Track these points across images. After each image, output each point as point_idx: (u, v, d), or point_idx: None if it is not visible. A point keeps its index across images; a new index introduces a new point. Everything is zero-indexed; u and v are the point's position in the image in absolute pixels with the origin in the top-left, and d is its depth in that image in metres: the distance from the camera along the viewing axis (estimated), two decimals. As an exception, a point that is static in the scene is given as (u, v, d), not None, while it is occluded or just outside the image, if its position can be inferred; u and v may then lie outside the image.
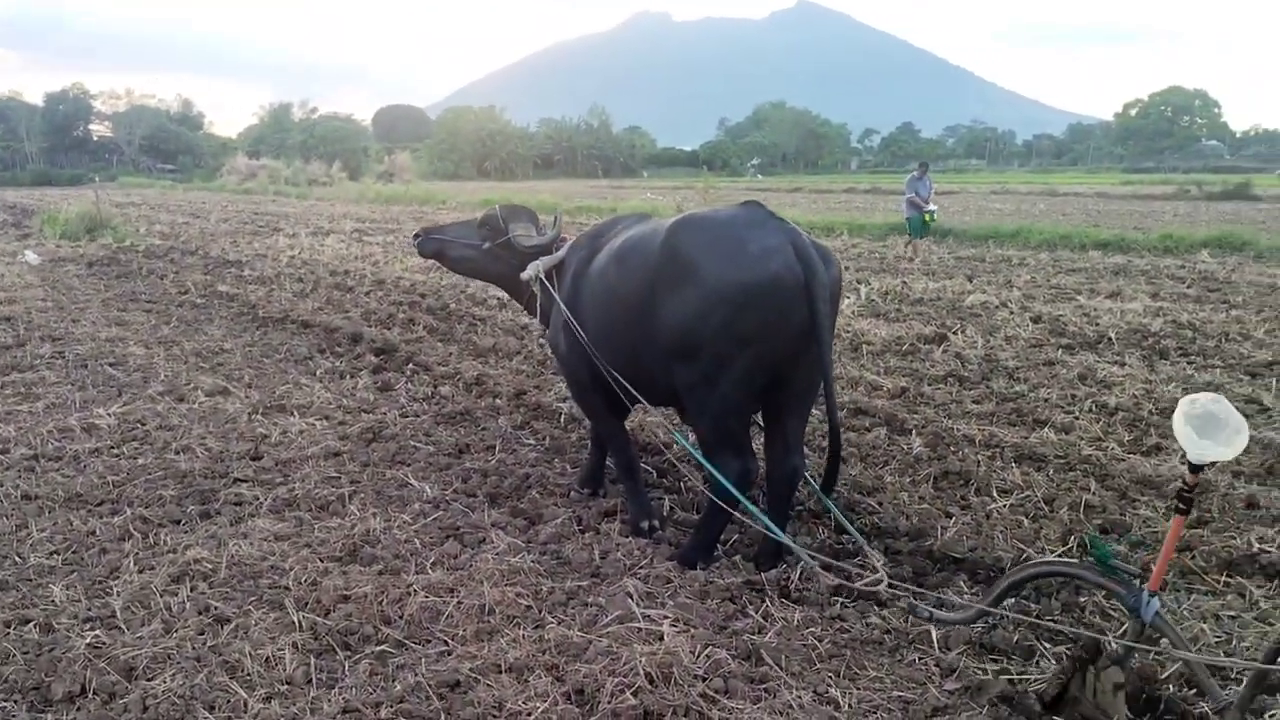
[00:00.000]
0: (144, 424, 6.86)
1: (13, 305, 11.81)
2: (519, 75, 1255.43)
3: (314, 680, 3.62)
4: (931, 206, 18.26)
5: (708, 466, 4.50)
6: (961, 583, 4.51)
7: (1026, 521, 5.18)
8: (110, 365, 8.71)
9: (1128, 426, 6.86)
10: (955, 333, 10.13)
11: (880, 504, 5.45)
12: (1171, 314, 11.09)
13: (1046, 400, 7.50)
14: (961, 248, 19.94)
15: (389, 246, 19.83)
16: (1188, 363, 8.76)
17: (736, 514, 4.63)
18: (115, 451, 6.29)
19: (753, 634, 3.94)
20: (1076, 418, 7.05)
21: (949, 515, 5.30)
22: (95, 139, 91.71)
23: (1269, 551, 4.62)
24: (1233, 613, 4.11)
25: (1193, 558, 4.65)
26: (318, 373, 8.62)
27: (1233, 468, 5.87)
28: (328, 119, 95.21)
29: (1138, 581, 3.35)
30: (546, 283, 5.45)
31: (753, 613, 4.16)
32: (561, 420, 7.15)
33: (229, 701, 3.48)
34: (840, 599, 4.36)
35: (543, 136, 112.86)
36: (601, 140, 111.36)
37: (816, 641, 3.93)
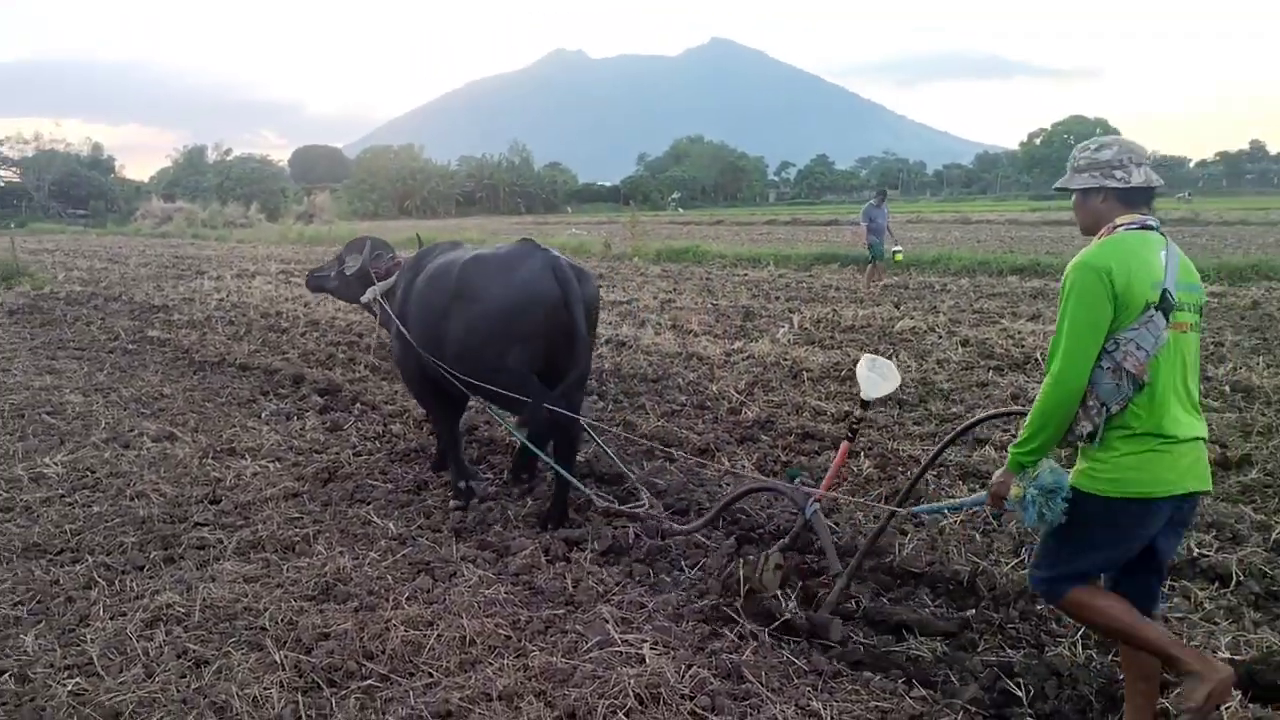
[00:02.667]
0: (93, 472, 6.77)
1: (-65, 356, 11.49)
2: (437, 113, 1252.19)
3: (304, 717, 3.65)
4: (897, 247, 18.28)
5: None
6: (924, 596, 4.69)
7: (978, 536, 5.40)
8: (48, 414, 8.54)
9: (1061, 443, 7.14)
10: (889, 358, 10.43)
11: (838, 524, 5.63)
12: (1092, 334, 11.54)
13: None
14: (886, 275, 20.43)
15: (319, 287, 19.65)
16: (1111, 380, 9.14)
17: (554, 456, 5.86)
18: (68, 500, 6.20)
19: (730, 653, 4.05)
20: (1013, 436, 7.30)
21: (904, 533, 5.49)
22: (2, 185, 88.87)
23: (1207, 556, 4.90)
24: (1179, 614, 4.35)
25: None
26: (263, 415, 8.56)
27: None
28: (243, 160, 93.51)
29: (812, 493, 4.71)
30: (383, 303, 6.71)
31: (728, 633, 4.28)
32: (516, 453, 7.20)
33: (221, 742, 3.49)
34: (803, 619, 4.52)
35: (464, 174, 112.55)
36: (523, 177, 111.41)
37: (793, 658, 4.06)
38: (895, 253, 18.03)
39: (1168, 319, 3.04)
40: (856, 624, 4.44)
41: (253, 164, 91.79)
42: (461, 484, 6.23)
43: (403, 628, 4.27)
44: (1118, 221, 3.23)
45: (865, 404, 4.46)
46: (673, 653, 4.02)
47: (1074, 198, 3.37)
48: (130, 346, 12.42)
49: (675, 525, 5.42)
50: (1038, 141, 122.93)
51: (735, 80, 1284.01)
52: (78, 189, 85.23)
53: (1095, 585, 3.29)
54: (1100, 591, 3.28)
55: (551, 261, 5.59)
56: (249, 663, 4.03)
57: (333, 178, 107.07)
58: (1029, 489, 3.17)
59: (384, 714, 3.66)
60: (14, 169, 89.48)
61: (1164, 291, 3.05)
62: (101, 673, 3.97)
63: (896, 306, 14.96)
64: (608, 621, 4.30)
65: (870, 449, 7.03)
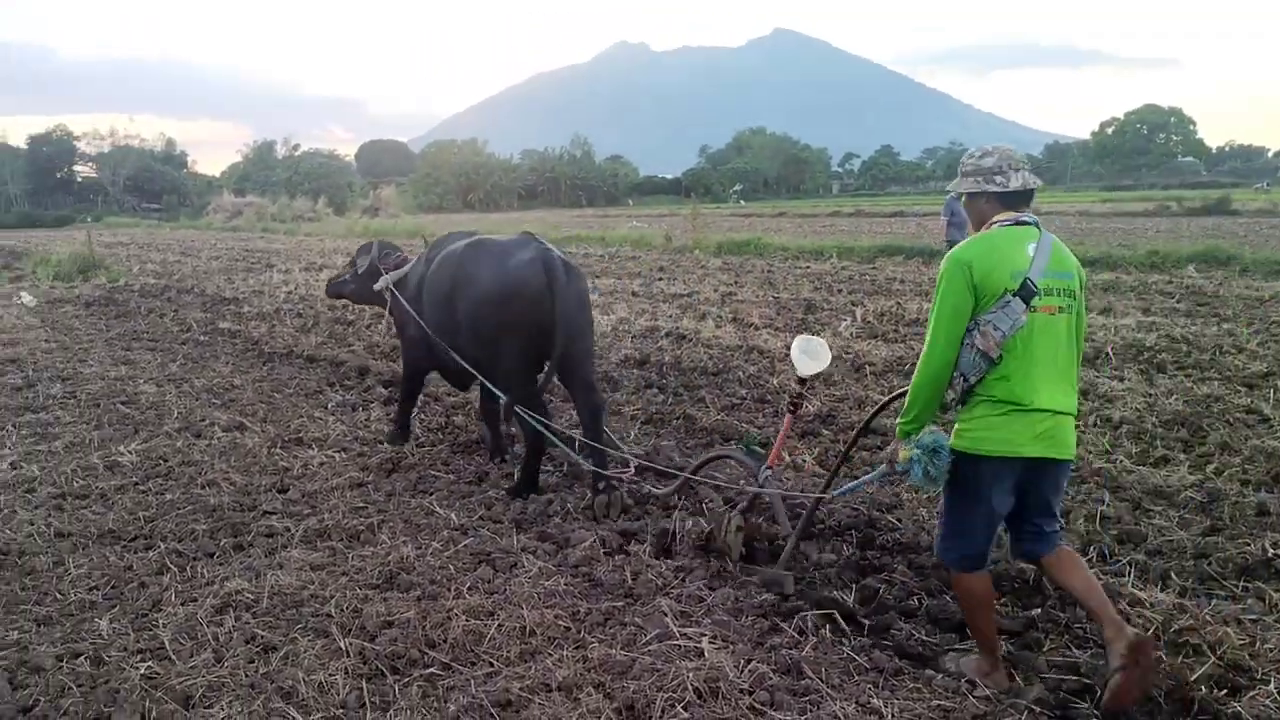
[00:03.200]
0: (166, 460, 6.95)
1: (16, 347, 11.89)
2: (500, 107, 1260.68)
3: (367, 704, 3.71)
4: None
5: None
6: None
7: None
8: (123, 404, 8.78)
9: (1133, 439, 7.01)
10: (954, 352, 10.27)
11: (900, 520, 5.58)
12: (1164, 329, 11.28)
13: (1051, 416, 7.63)
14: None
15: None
16: (1185, 376, 8.92)
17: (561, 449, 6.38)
18: (141, 488, 6.37)
19: (790, 649, 4.03)
20: (1083, 431, 7.18)
21: (968, 529, 5.41)
22: (79, 180, 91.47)
23: (1283, 556, 4.76)
24: (1254, 616, 4.23)
25: (1209, 564, 4.79)
26: (329, 406, 8.72)
27: (1241, 477, 6.02)
28: (311, 155, 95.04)
29: (764, 461, 5.17)
30: (394, 290, 7.38)
31: (788, 629, 4.26)
32: (576, 446, 7.24)
33: (287, 727, 3.56)
34: (864, 616, 4.48)
35: (526, 168, 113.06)
36: (585, 170, 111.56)
37: (854, 655, 4.03)
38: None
39: (1028, 304, 3.46)
40: (919, 621, 4.39)
41: (320, 159, 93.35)
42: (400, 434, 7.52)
43: (464, 617, 4.31)
44: (993, 219, 3.69)
45: (802, 381, 4.93)
46: (732, 647, 4.01)
47: (963, 199, 3.83)
48: (202, 338, 12.73)
49: (653, 489, 5.95)
50: (1109, 131, 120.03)
51: (798, 71, 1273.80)
52: (151, 183, 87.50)
53: (986, 579, 3.84)
54: (986, 588, 3.84)
55: (543, 254, 5.97)
56: (315, 649, 4.11)
57: (398, 172, 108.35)
58: (913, 450, 3.64)
59: (445, 702, 3.70)
60: (91, 164, 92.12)
61: (1025, 280, 3.47)
62: (173, 657, 4.08)
63: (962, 300, 14.71)
64: (667, 615, 4.31)
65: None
